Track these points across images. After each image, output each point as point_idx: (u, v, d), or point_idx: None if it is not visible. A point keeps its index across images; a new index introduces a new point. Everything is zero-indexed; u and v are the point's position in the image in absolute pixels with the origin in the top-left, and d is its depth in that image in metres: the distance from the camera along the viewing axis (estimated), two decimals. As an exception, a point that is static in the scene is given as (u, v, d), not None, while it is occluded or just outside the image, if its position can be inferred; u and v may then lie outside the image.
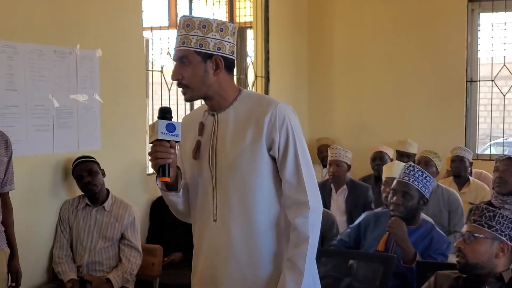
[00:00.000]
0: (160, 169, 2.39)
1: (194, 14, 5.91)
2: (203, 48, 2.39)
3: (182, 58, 2.41)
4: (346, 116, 7.68)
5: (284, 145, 2.42)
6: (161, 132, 2.36)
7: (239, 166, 2.44)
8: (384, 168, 4.84)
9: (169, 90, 5.71)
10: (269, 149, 2.43)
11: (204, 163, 2.51)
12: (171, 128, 2.37)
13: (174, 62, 2.48)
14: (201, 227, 2.58)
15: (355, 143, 7.21)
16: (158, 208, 5.15)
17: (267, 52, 7.02)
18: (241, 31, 7.08)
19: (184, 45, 2.40)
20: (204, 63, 2.41)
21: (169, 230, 4.98)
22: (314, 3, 7.79)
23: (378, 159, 6.25)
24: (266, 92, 7.01)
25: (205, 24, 2.40)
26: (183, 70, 2.42)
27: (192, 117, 2.67)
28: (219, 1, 6.85)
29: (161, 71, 5.65)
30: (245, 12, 7.07)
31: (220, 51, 2.42)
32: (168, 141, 2.37)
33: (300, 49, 7.71)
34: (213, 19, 2.45)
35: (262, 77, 7.03)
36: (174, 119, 2.41)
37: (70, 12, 4.45)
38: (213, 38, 2.40)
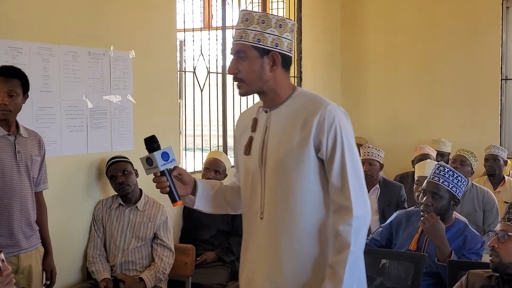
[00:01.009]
0: (169, 197, 2.48)
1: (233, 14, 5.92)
2: (261, 43, 2.38)
3: (239, 52, 2.41)
4: (379, 116, 7.63)
5: (331, 148, 2.37)
6: (161, 165, 2.43)
7: (286, 165, 2.41)
8: (417, 167, 4.79)
9: (201, 91, 5.74)
10: (317, 150, 2.39)
11: (255, 159, 2.50)
12: (165, 156, 2.44)
13: (232, 56, 2.47)
14: (249, 224, 2.57)
15: (388, 142, 7.17)
16: (191, 208, 5.14)
17: (300, 52, 7.02)
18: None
19: (242, 39, 2.39)
20: (261, 59, 2.40)
21: (201, 230, 5.00)
22: (347, 3, 7.77)
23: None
24: (299, 92, 6.99)
25: (264, 19, 2.38)
26: (240, 64, 2.41)
27: (248, 112, 2.68)
28: (252, 2, 6.86)
29: (194, 72, 5.68)
30: (278, 13, 7.07)
31: (278, 47, 2.40)
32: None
33: (333, 49, 7.69)
34: (273, 15, 2.43)
35: (295, 77, 7.03)
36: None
37: (104, 14, 4.50)
38: (272, 34, 2.38)
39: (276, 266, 2.46)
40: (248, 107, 2.83)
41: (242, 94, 2.52)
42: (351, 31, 7.76)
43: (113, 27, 4.59)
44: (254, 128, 2.54)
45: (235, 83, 2.49)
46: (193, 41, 5.69)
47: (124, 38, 4.68)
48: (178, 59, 5.44)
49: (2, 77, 3.45)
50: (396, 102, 7.54)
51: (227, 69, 2.51)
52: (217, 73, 5.98)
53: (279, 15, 2.43)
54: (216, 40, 5.98)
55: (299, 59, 7.03)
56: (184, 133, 5.76)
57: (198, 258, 4.70)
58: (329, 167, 2.38)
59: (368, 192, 5.62)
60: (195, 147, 6.04)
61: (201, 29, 6.07)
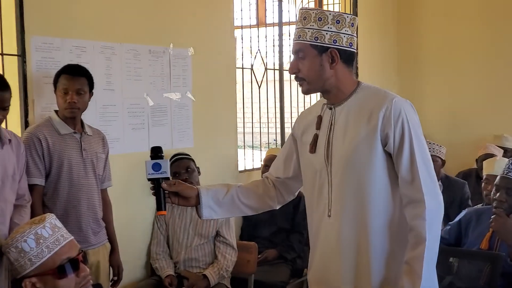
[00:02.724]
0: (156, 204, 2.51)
1: (286, 12, 5.89)
2: (318, 41, 2.35)
3: (298, 52, 2.39)
4: (438, 111, 7.47)
5: (399, 141, 2.32)
6: (149, 173, 2.47)
7: (353, 161, 2.37)
8: (485, 164, 4.65)
9: (259, 87, 5.72)
10: (384, 144, 2.35)
11: (320, 157, 2.47)
12: (157, 167, 2.47)
13: (292, 55, 2.46)
14: (316, 222, 2.54)
15: (447, 138, 7.00)
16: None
17: (356, 47, 6.92)
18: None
19: (300, 39, 2.37)
20: (320, 57, 2.37)
21: (261, 227, 4.98)
22: (403, -3, 7.65)
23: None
24: (355, 88, 6.91)
25: (321, 16, 2.34)
26: (300, 64, 2.39)
27: (311, 110, 2.65)
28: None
29: (251, 69, 5.66)
30: (334, 8, 7.00)
31: (336, 44, 2.36)
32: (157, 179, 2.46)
33: (390, 44, 7.58)
34: (330, 11, 2.39)
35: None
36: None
37: (164, 12, 4.52)
38: (329, 30, 2.34)
39: (348, 263, 2.42)
40: (310, 105, 2.80)
41: (304, 92, 2.50)
42: (408, 24, 7.62)
43: (172, 24, 4.61)
44: (318, 125, 2.51)
45: (297, 82, 2.47)
46: (250, 37, 5.67)
47: (183, 36, 4.70)
48: (235, 56, 5.42)
49: (70, 75, 3.49)
50: (455, 96, 7.37)
51: (288, 68, 2.47)
52: (274, 69, 5.94)
53: (336, 10, 2.37)
54: (273, 36, 5.93)
55: (356, 54, 6.93)
56: (242, 130, 5.74)
57: (259, 256, 4.68)
58: (397, 160, 2.34)
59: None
60: (253, 144, 6.02)
61: (256, 26, 6.04)
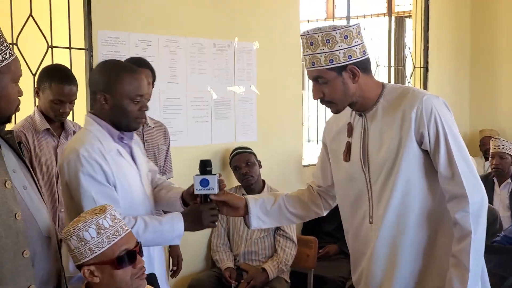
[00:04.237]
0: None
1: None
2: (334, 63, 2.30)
3: (317, 78, 2.35)
4: (511, 106, 7.25)
5: (434, 139, 2.31)
6: (197, 189, 2.52)
7: (391, 166, 2.36)
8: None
9: (325, 81, 5.68)
10: (420, 143, 2.34)
11: (356, 164, 2.46)
12: (205, 183, 2.52)
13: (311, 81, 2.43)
14: (354, 228, 2.53)
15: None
16: (314, 200, 5.14)
17: (426, 41, 6.80)
18: (400, 20, 6.91)
19: (315, 66, 2.33)
20: (340, 76, 2.33)
21: (323, 222, 4.94)
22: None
23: None
24: (425, 83, 6.79)
25: (328, 38, 2.29)
26: (322, 88, 2.36)
27: (338, 117, 2.61)
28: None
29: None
30: (405, 1, 6.88)
31: (352, 59, 2.31)
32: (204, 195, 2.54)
33: (462, 37, 7.38)
34: (333, 28, 2.32)
35: (421, 67, 6.82)
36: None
37: (229, 6, 4.56)
38: (341, 49, 2.29)
39: (391, 265, 2.43)
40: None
41: (335, 112, 2.47)
42: (482, 18, 7.41)
43: (238, 18, 4.64)
44: (350, 133, 2.49)
45: (325, 105, 2.44)
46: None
47: (248, 30, 4.72)
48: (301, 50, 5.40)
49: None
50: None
51: (313, 94, 2.42)
52: (341, 63, 5.89)
53: (341, 24, 2.31)
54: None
55: (426, 48, 6.81)
56: (307, 124, 5.73)
57: (320, 250, 4.66)
58: (435, 158, 2.33)
59: (499, 186, 5.42)
60: (318, 139, 5.99)
61: (325, 19, 6.00)
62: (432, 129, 2.30)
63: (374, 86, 2.43)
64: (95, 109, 2.58)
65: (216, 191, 2.54)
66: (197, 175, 2.56)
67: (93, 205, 2.35)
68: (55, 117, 3.30)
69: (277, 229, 4.34)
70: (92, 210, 2.10)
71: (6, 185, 1.96)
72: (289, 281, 4.35)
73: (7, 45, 1.96)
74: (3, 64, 1.94)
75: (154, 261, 2.70)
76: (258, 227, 2.71)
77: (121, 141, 2.60)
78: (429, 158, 2.35)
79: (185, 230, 2.55)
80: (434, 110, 2.31)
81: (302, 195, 2.76)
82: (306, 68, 2.38)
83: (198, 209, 2.57)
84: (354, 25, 2.36)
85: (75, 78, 3.35)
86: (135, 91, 2.51)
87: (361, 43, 2.34)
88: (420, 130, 2.31)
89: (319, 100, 2.39)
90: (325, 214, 2.77)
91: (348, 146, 2.48)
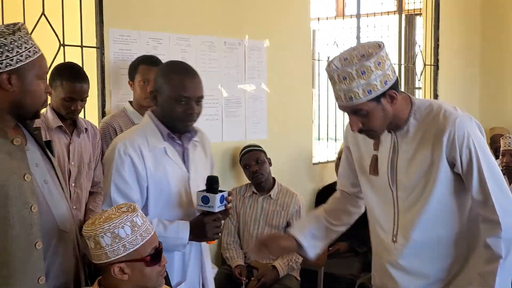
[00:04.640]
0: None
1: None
2: (372, 93, 2.20)
3: (357, 112, 2.26)
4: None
5: (466, 163, 2.28)
6: (198, 204, 2.56)
7: (421, 186, 2.34)
8: None
9: (335, 79, 5.68)
10: (452, 166, 2.30)
11: (383, 180, 2.43)
12: (205, 200, 2.53)
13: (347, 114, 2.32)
14: (378, 243, 2.54)
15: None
16: (324, 197, 5.12)
17: (437, 39, 6.78)
18: (410, 18, 6.90)
19: (353, 100, 2.21)
20: (380, 103, 2.24)
21: (334, 220, 4.97)
22: (488, -13, 7.41)
23: None
24: (435, 81, 6.78)
25: (364, 70, 2.17)
26: (362, 120, 2.28)
27: None
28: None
29: (328, 61, 5.63)
30: (414, 4, 6.86)
31: (388, 83, 2.22)
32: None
33: (472, 35, 7.36)
34: (366, 56, 2.19)
35: (431, 65, 6.81)
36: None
37: (240, 4, 4.57)
38: (377, 77, 2.19)
39: (415, 282, 2.45)
40: None
41: (375, 139, 2.43)
42: (492, 15, 7.38)
43: (248, 17, 4.65)
44: (377, 147, 2.46)
45: (364, 134, 2.38)
46: (327, 29, 5.64)
47: (259, 28, 4.73)
48: (311, 48, 5.41)
49: (147, 66, 3.58)
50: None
51: (351, 126, 2.33)
52: (351, 61, 5.88)
53: (369, 51, 2.20)
54: (350, 28, 5.88)
55: (436, 46, 6.80)
56: (317, 122, 5.73)
57: (330, 248, 4.67)
58: (467, 181, 2.30)
59: (510, 184, 5.37)
60: (328, 137, 6.00)
61: (335, 17, 6.00)
62: (464, 154, 2.27)
63: (404, 103, 2.36)
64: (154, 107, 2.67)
65: (214, 210, 2.54)
66: (200, 191, 2.56)
67: (107, 199, 2.49)
68: (66, 115, 3.32)
69: (288, 226, 4.34)
70: (118, 207, 2.11)
71: (25, 178, 2.03)
72: (299, 279, 4.35)
73: (32, 43, 2.06)
74: (27, 61, 2.03)
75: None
76: (316, 254, 2.72)
77: (173, 140, 2.63)
78: (461, 179, 2.32)
79: (190, 240, 2.56)
80: (467, 135, 2.27)
81: (339, 203, 2.77)
82: (340, 103, 2.26)
83: (202, 221, 2.57)
84: (381, 43, 2.25)
85: (86, 76, 3.37)
86: (178, 91, 2.55)
87: (390, 63, 2.25)
88: (452, 154, 2.28)
89: (357, 130, 2.31)
90: (364, 209, 2.75)
91: (375, 160, 2.45)
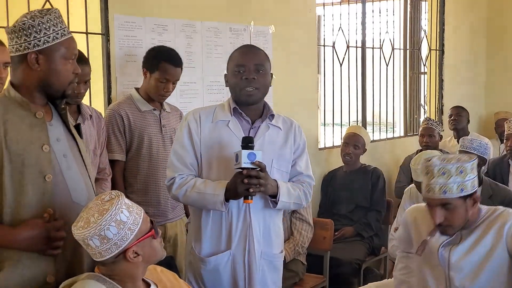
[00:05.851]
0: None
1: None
2: (464, 191, 2.54)
3: (446, 205, 2.56)
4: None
5: None
6: (244, 162, 2.59)
7: (479, 273, 2.62)
8: None
9: (340, 65, 5.68)
10: (511, 254, 2.57)
11: (438, 268, 2.70)
12: (252, 156, 2.59)
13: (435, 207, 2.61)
14: None
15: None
16: (330, 183, 5.16)
17: (442, 24, 6.77)
18: (415, 3, 6.87)
19: (447, 195, 2.53)
20: (465, 203, 2.58)
21: (340, 205, 4.99)
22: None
23: None
24: (441, 65, 6.77)
25: (462, 169, 2.53)
26: (447, 214, 2.57)
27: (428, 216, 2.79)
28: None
29: (333, 47, 5.63)
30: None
31: (475, 188, 2.58)
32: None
33: (478, 20, 7.34)
34: (466, 159, 2.57)
35: (436, 50, 6.80)
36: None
37: (245, -11, 4.56)
38: (470, 179, 2.54)
39: None
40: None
41: (448, 235, 2.67)
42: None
43: (253, 2, 4.64)
44: (432, 234, 2.67)
45: (439, 230, 2.65)
46: (333, 15, 5.62)
47: (264, 13, 4.72)
48: (316, 33, 5.40)
49: (174, 66, 3.61)
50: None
51: (435, 218, 2.63)
52: (356, 47, 5.87)
53: (464, 158, 2.59)
54: (356, 13, 5.85)
55: (442, 31, 6.78)
56: (323, 108, 5.73)
57: (336, 233, 4.68)
58: None
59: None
60: (334, 122, 6.00)
61: (340, 3, 5.98)
62: None
63: (477, 210, 2.67)
64: None
65: (242, 165, 2.60)
66: (241, 150, 2.62)
67: (168, 161, 2.87)
68: (71, 99, 3.31)
69: (294, 212, 4.36)
70: (101, 199, 2.10)
71: (43, 148, 2.16)
72: (306, 263, 4.38)
73: (61, 26, 2.22)
74: (54, 42, 2.18)
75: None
76: None
77: (240, 116, 2.83)
78: None
79: (227, 198, 2.68)
80: None
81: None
82: (432, 195, 2.56)
83: (233, 178, 2.66)
84: (476, 157, 2.71)
85: (87, 59, 3.37)
86: (235, 62, 2.79)
87: (477, 175, 2.59)
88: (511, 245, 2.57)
89: (438, 223, 2.59)
90: None
91: (424, 244, 2.67)
